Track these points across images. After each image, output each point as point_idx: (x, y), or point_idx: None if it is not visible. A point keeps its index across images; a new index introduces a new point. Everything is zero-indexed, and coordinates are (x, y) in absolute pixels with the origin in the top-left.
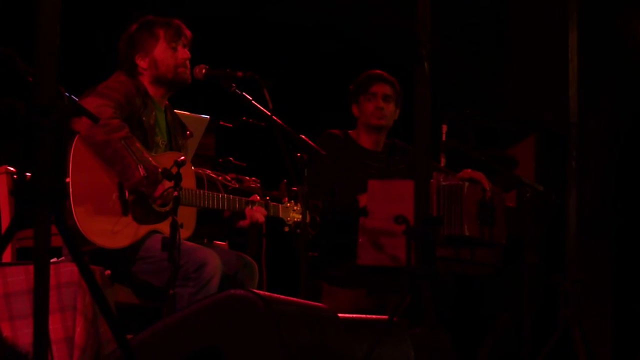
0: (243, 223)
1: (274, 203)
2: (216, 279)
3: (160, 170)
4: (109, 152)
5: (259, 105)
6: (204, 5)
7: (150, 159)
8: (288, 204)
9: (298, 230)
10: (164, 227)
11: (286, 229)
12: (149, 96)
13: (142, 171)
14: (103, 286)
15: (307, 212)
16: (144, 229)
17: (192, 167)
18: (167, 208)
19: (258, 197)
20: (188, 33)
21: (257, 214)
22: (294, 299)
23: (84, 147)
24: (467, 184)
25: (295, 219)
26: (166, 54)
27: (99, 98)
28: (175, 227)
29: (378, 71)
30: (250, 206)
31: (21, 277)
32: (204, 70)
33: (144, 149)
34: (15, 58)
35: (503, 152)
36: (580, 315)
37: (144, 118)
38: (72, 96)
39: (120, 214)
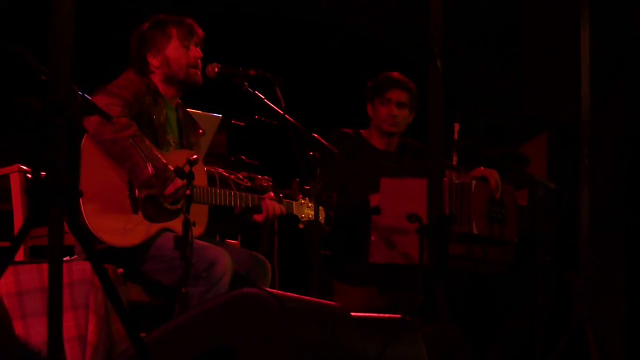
0: (258, 217)
1: (288, 200)
2: (226, 278)
3: (170, 167)
4: (117, 150)
5: (271, 104)
6: (216, 4)
7: (160, 156)
8: (302, 201)
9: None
10: (176, 225)
11: (300, 225)
12: (159, 94)
13: (150, 169)
14: (116, 284)
15: (322, 208)
16: (155, 227)
17: (204, 166)
18: (178, 206)
19: (272, 194)
20: (200, 32)
21: (275, 205)
22: (307, 297)
23: (92, 145)
24: (475, 182)
25: (310, 216)
26: (178, 52)
27: (107, 96)
28: (187, 225)
29: (397, 75)
30: (266, 199)
31: (34, 275)
32: (216, 69)
33: (154, 147)
34: (29, 57)
35: (515, 150)
36: (593, 312)
37: (154, 116)
38: (85, 94)
39: (131, 212)
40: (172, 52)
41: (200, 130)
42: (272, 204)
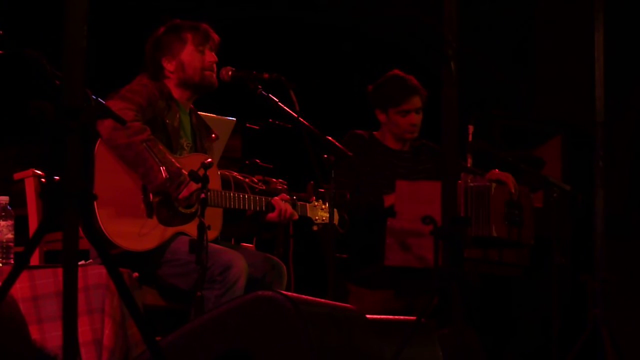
0: (272, 216)
1: (302, 202)
2: (242, 281)
3: (184, 171)
4: (131, 154)
5: (285, 107)
6: (230, 8)
7: (174, 160)
8: (316, 203)
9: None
10: (190, 228)
11: (315, 228)
12: (173, 99)
13: (164, 173)
14: (131, 288)
15: (336, 210)
16: (170, 231)
17: (218, 169)
18: (193, 209)
19: (286, 196)
20: (215, 37)
21: (286, 204)
22: (322, 300)
23: (106, 150)
24: (494, 184)
25: (324, 218)
26: (193, 57)
27: (120, 101)
28: (202, 229)
29: (406, 79)
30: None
31: (49, 279)
32: (230, 73)
33: (167, 151)
34: (43, 61)
35: (530, 152)
36: (608, 315)
37: (167, 120)
38: (99, 99)
39: (146, 216)
40: (187, 57)
41: (214, 135)
42: (284, 203)
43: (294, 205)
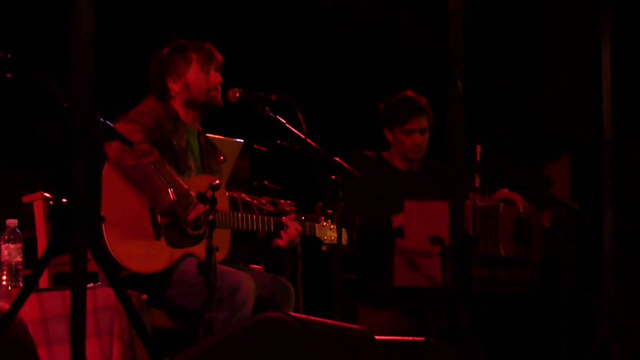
0: (280, 242)
1: (310, 223)
2: (250, 303)
3: (192, 193)
4: (139, 176)
5: (293, 128)
6: (236, 29)
7: (181, 182)
8: (325, 223)
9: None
10: (198, 250)
11: (323, 248)
12: (180, 120)
13: (172, 195)
14: (139, 310)
15: (345, 230)
16: (178, 253)
17: (226, 191)
18: (201, 231)
19: (294, 216)
20: (220, 57)
21: (292, 230)
22: (330, 320)
23: (114, 172)
24: (502, 204)
25: (332, 238)
26: (199, 77)
27: (128, 123)
28: (210, 250)
29: (413, 98)
30: (285, 229)
31: (58, 302)
32: (237, 94)
33: (175, 173)
34: (51, 83)
35: (538, 171)
36: (617, 332)
37: (174, 142)
38: (107, 121)
39: (154, 238)
40: (192, 77)
41: (222, 157)
42: (293, 225)
43: (302, 225)
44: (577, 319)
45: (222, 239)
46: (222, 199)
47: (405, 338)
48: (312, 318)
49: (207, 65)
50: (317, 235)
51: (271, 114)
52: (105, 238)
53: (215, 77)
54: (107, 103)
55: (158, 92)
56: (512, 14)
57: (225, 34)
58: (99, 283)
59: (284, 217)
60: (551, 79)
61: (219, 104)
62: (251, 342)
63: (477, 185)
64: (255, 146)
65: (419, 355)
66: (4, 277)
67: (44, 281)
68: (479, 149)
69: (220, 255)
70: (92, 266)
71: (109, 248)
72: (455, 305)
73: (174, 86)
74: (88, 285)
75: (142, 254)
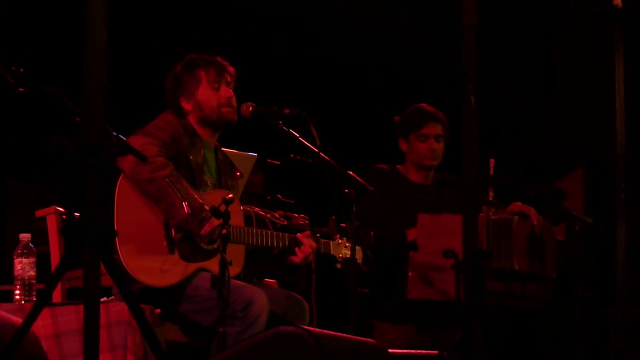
0: (295, 258)
1: (325, 240)
2: (263, 317)
3: (206, 207)
4: (154, 190)
5: (306, 142)
6: (250, 43)
7: (196, 196)
8: (340, 241)
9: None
10: (212, 264)
11: (338, 265)
12: (197, 135)
13: (186, 209)
14: (153, 325)
15: (359, 247)
16: (192, 267)
17: (241, 206)
18: (215, 246)
19: (309, 232)
20: (232, 70)
21: (306, 247)
22: (344, 335)
23: (128, 185)
24: (516, 218)
25: (347, 256)
26: (209, 95)
27: (144, 137)
28: (224, 265)
29: (427, 107)
30: (299, 246)
31: (72, 316)
32: (250, 108)
33: (190, 187)
34: (64, 98)
35: (551, 185)
36: (631, 347)
37: (191, 157)
38: (120, 135)
39: (167, 252)
40: (203, 96)
41: (238, 173)
42: (308, 242)
43: (317, 242)
44: (591, 334)
45: (236, 254)
46: (237, 213)
47: (419, 352)
48: (326, 332)
49: (217, 82)
50: (332, 252)
51: (284, 127)
52: (119, 252)
53: (226, 92)
54: (123, 117)
55: (174, 108)
56: (525, 27)
57: (239, 48)
58: (113, 297)
59: (298, 234)
60: (565, 94)
61: (232, 120)
62: (265, 356)
63: (490, 199)
64: (268, 160)
65: None
66: (18, 292)
67: (57, 295)
68: (492, 162)
69: (234, 270)
70: (106, 280)
71: (123, 262)
72: (469, 319)
73: (187, 105)
74: (101, 300)
75: (156, 268)
